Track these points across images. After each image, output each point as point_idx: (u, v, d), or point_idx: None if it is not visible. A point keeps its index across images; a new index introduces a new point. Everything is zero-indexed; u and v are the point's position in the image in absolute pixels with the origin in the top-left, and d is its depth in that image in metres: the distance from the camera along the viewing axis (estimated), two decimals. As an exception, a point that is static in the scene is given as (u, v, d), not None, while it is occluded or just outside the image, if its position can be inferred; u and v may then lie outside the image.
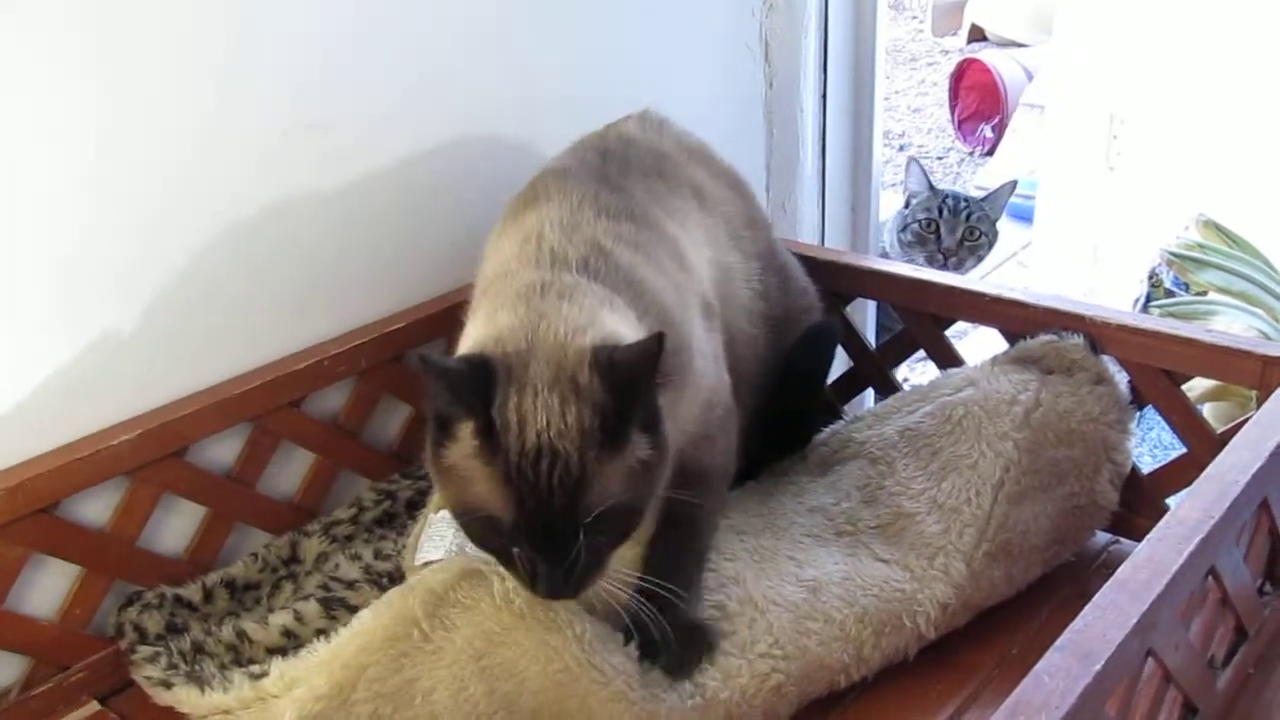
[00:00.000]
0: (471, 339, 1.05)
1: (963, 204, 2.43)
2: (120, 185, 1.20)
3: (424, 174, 1.48)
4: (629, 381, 0.96)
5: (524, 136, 1.57)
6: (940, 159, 5.33)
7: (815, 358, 1.44)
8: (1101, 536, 1.36)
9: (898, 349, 1.60)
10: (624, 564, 1.09)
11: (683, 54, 1.80)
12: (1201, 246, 2.61)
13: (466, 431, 0.98)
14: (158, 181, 1.23)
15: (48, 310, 1.18)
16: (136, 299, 1.24)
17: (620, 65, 1.70)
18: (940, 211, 2.41)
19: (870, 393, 1.69)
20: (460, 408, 0.97)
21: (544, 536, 0.97)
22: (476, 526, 1.00)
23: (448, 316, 1.27)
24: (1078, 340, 1.35)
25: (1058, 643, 0.81)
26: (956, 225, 2.41)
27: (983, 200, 2.47)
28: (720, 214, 1.31)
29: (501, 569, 1.06)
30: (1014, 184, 2.56)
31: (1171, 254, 2.62)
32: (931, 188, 2.46)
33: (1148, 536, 0.92)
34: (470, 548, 1.16)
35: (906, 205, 2.48)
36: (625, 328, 1.04)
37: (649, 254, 1.14)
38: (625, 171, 1.21)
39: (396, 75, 1.42)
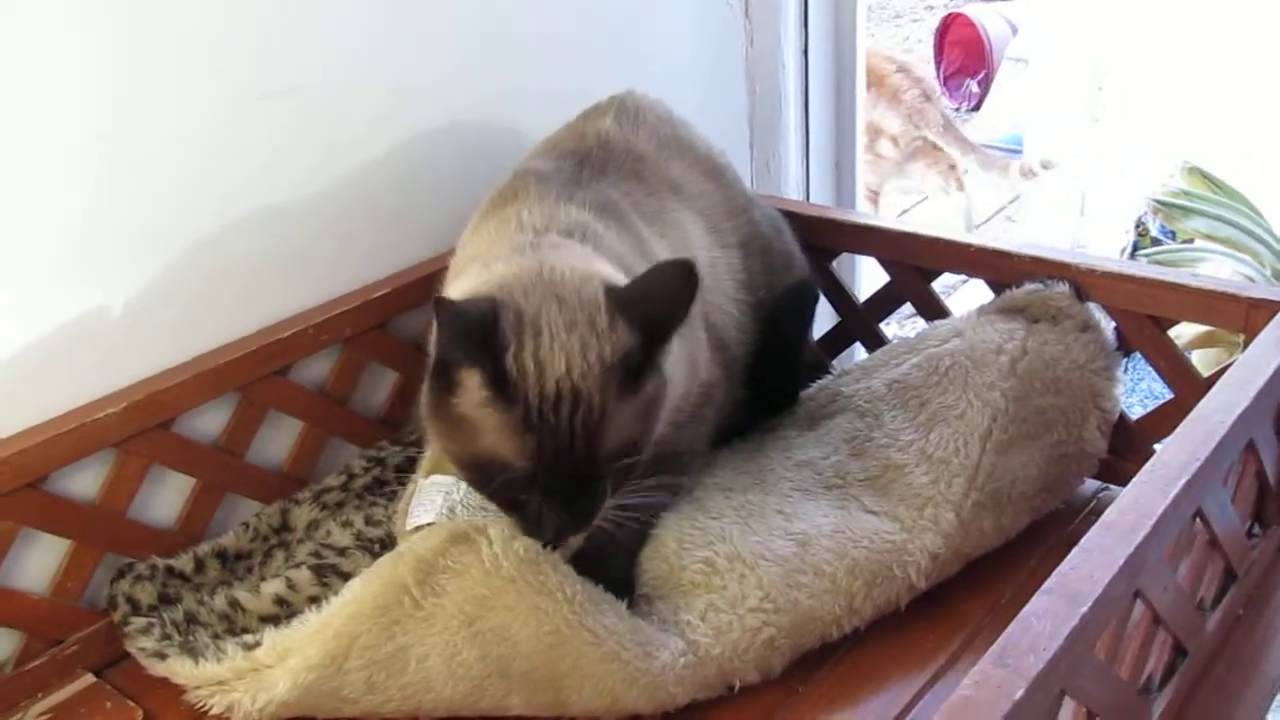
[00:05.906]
0: (468, 288, 1.04)
1: None
2: (104, 163, 1.19)
3: (406, 141, 1.47)
4: (661, 317, 0.98)
5: (504, 100, 1.56)
6: (926, 115, 5.30)
7: (795, 316, 1.44)
8: (1091, 484, 1.37)
9: (884, 303, 1.60)
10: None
11: (662, 11, 1.78)
12: (1187, 194, 2.60)
13: (474, 381, 0.97)
14: (139, 159, 1.22)
15: (27, 285, 1.17)
16: (119, 272, 1.24)
17: (599, 22, 1.68)
18: None
19: (858, 347, 1.69)
20: (469, 357, 0.97)
21: (564, 480, 0.98)
22: (484, 475, 1.01)
23: (430, 284, 1.27)
24: (1063, 288, 1.35)
25: (1045, 586, 0.81)
26: None
27: None
28: (699, 209, 1.31)
29: (490, 533, 1.07)
30: None
31: (1157, 202, 2.61)
32: None
33: (1134, 479, 0.92)
34: (461, 510, 1.17)
35: None
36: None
37: (630, 248, 1.15)
38: (602, 177, 1.22)
39: (377, 44, 1.41)
